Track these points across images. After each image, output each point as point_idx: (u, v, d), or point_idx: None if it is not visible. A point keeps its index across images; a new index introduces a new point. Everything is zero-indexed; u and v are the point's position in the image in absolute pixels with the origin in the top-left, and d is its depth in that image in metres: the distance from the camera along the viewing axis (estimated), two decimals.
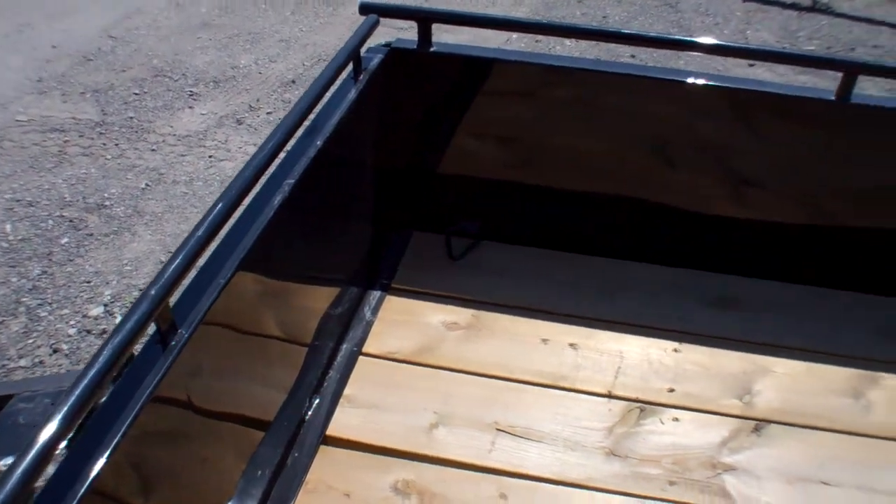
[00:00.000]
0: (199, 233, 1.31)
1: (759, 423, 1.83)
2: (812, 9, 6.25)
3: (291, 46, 5.30)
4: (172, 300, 1.26)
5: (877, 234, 2.18)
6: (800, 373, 1.97)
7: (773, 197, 2.20)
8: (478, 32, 5.08)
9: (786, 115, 2.07)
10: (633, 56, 5.01)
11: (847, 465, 1.75)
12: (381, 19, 2.07)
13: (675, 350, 2.00)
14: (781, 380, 1.94)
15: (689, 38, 2.35)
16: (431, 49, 2.13)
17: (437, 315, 2.08)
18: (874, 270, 2.21)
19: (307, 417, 1.82)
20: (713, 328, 2.07)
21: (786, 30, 5.82)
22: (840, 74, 1.96)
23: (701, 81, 2.06)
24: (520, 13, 5.93)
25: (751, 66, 4.91)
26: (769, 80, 4.25)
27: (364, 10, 2.07)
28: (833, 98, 1.97)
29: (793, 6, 6.24)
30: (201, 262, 1.37)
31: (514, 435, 1.78)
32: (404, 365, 1.95)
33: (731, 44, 2.27)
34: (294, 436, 1.77)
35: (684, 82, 2.08)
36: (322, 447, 1.75)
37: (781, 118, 2.08)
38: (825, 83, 2.07)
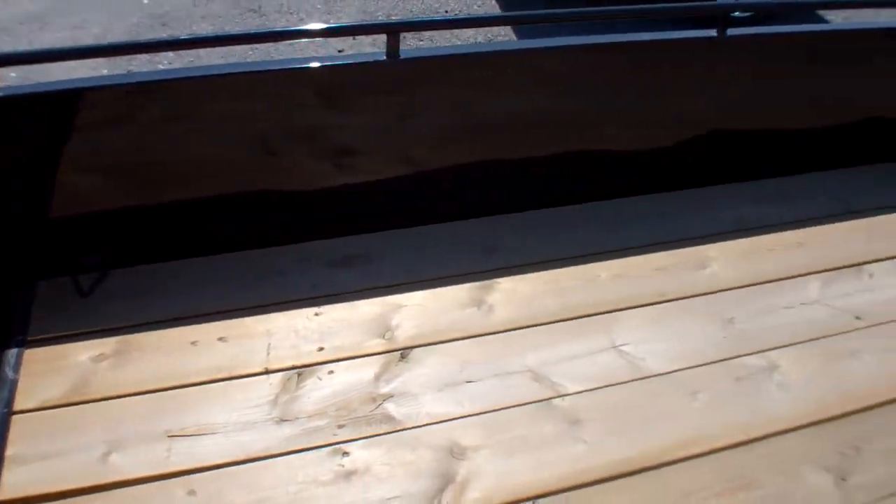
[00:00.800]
0: None
1: (404, 351, 2.04)
2: None
3: None
4: None
5: (461, 168, 2.48)
6: (428, 300, 2.21)
7: (369, 159, 2.42)
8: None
9: (355, 84, 2.30)
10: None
11: (483, 361, 2.01)
12: None
13: (317, 314, 2.16)
14: (414, 310, 2.17)
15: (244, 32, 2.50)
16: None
17: (82, 353, 2.06)
18: (467, 199, 2.52)
19: None
20: (346, 285, 2.25)
21: (365, 11, 6.22)
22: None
23: (278, 68, 2.23)
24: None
25: (340, 51, 5.22)
26: None
27: None
28: (384, 58, 2.22)
29: None
30: None
31: (188, 435, 1.83)
32: (61, 409, 1.92)
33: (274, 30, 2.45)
34: None
35: (267, 72, 2.23)
36: None
37: (352, 87, 2.30)
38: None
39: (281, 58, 5.01)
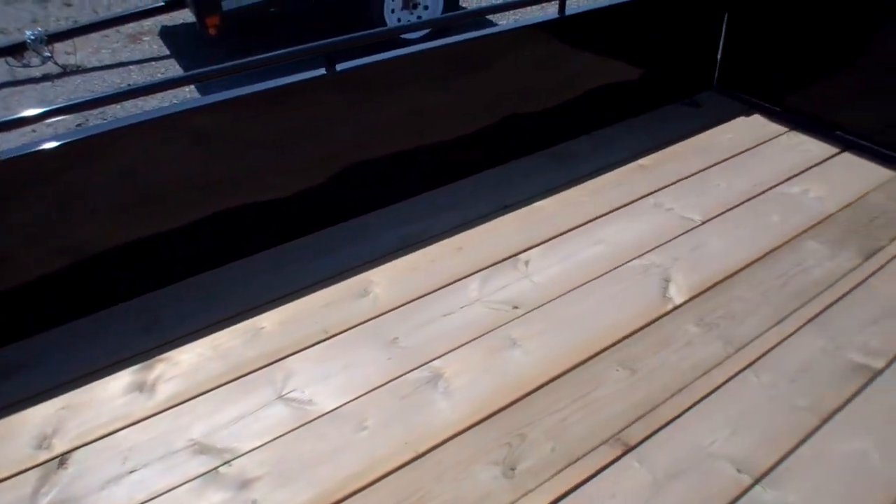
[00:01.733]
0: None
1: (63, 457, 1.94)
2: (64, 73, 6.48)
3: None
4: None
5: (123, 247, 2.42)
6: (89, 395, 2.12)
7: (26, 258, 2.29)
8: None
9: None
10: None
11: (147, 446, 1.96)
12: None
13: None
14: (74, 410, 2.08)
15: None
16: None
17: None
18: (130, 278, 2.46)
19: None
20: (1, 399, 2.13)
21: (45, 100, 5.95)
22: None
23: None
24: None
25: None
26: None
27: None
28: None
29: (45, 77, 6.40)
30: None
31: None
32: None
33: None
34: None
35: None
36: None
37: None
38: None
39: None
